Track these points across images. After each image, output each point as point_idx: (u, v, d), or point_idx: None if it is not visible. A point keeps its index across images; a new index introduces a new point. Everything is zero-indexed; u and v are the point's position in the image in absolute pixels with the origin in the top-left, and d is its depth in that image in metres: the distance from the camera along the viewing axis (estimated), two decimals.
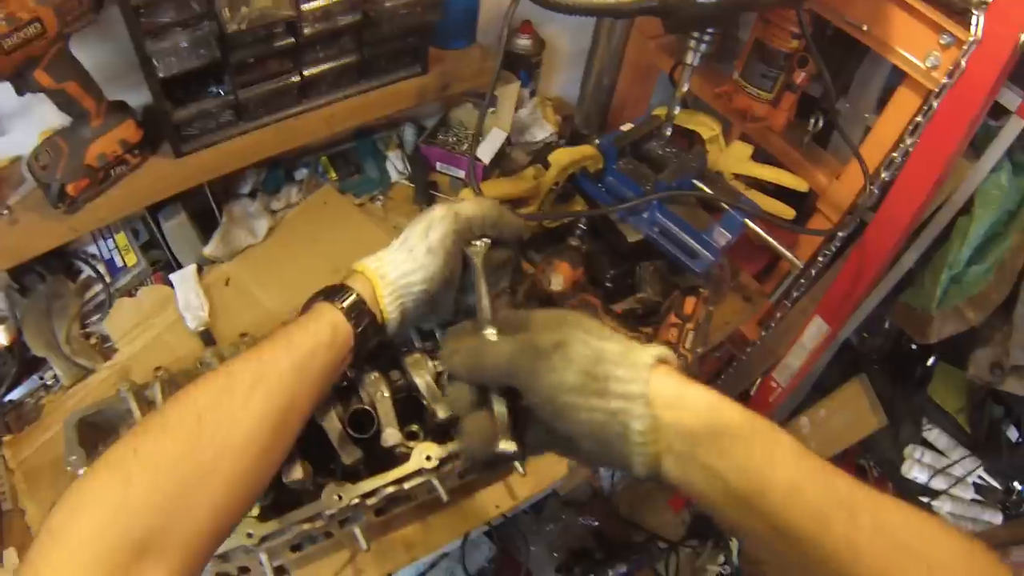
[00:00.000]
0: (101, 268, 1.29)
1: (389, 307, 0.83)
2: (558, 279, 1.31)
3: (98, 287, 1.30)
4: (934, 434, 1.78)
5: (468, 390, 0.71)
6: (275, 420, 0.71)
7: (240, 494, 0.68)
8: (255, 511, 0.97)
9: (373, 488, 1.00)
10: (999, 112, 1.25)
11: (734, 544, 1.82)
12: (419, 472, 1.02)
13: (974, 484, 1.74)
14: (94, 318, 1.30)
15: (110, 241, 1.31)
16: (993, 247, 1.44)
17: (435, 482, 1.03)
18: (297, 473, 0.93)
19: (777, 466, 0.55)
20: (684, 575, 2.11)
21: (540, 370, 0.63)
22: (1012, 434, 1.68)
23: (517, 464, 1.09)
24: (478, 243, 0.87)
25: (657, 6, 1.00)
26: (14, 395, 1.24)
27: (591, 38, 1.39)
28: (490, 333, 0.72)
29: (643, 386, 0.59)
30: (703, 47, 1.21)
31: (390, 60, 1.32)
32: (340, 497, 0.98)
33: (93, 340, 1.29)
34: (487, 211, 0.88)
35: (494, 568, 2.03)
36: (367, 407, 0.97)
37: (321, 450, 0.98)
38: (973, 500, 1.74)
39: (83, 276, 1.30)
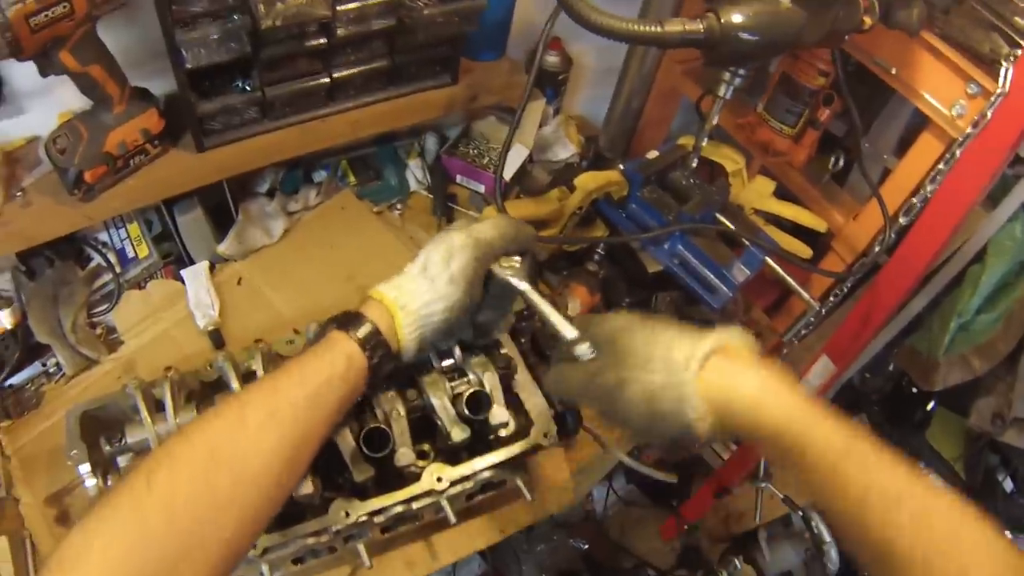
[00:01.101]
0: (112, 257, 1.27)
1: (408, 337, 0.82)
2: (575, 303, 1.30)
3: (107, 277, 1.27)
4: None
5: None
6: (288, 453, 0.71)
7: (252, 526, 0.68)
8: None
9: (382, 507, 0.98)
10: (1016, 162, 1.25)
11: None
12: (429, 493, 1.00)
13: None
14: (101, 308, 1.27)
15: (122, 230, 1.28)
16: (1003, 297, 1.44)
17: (444, 503, 1.02)
18: (307, 488, 0.91)
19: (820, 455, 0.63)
20: None
21: (613, 406, 0.74)
22: (1008, 485, 1.67)
23: (525, 490, 1.08)
24: (514, 261, 0.87)
25: (702, 39, 0.98)
26: (14, 380, 1.22)
27: (623, 61, 1.38)
28: (583, 351, 0.77)
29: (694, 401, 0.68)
30: (738, 81, 1.19)
31: (420, 68, 1.30)
32: (348, 514, 0.97)
33: (99, 330, 1.27)
34: (505, 230, 0.86)
35: None
36: (383, 426, 0.95)
37: (329, 463, 0.96)
38: None
39: (92, 264, 1.27)
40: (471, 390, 0.99)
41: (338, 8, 1.12)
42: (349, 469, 0.95)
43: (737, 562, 1.79)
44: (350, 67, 1.23)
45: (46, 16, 0.95)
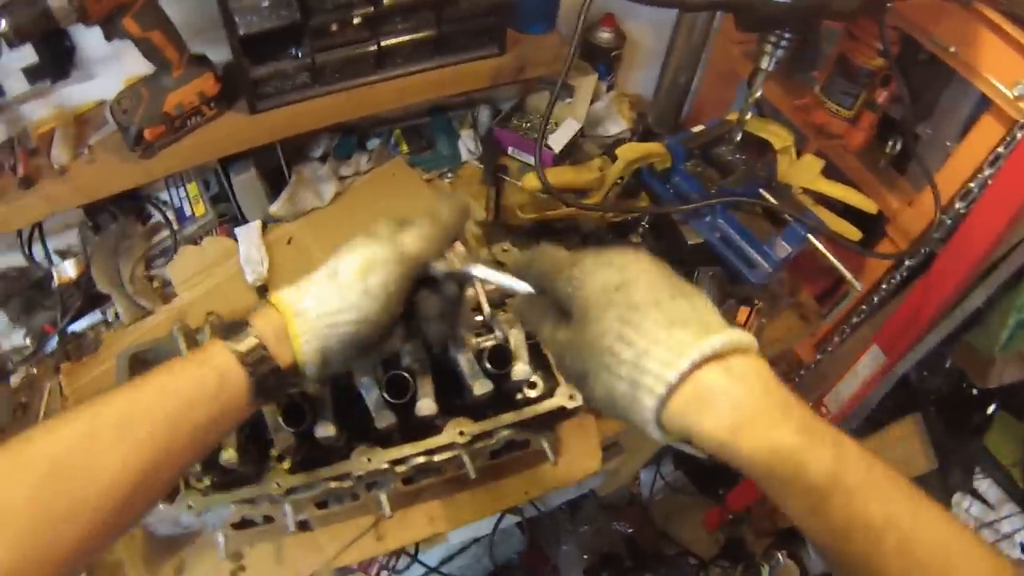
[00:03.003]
0: (170, 215, 1.34)
1: (305, 348, 0.70)
2: None
3: (165, 232, 1.34)
4: (985, 485, 1.71)
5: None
6: (141, 474, 0.61)
7: (93, 545, 0.61)
8: (286, 464, 1.00)
9: (403, 455, 1.01)
10: None
11: (764, 570, 1.78)
12: (451, 446, 1.03)
13: (1021, 544, 1.66)
14: (158, 262, 1.35)
15: (182, 190, 1.35)
16: None
17: (465, 458, 1.04)
18: (329, 430, 0.95)
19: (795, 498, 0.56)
20: None
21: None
22: None
23: (549, 451, 1.09)
24: (457, 249, 0.79)
25: (736, 3, 0.98)
26: (76, 327, 1.30)
27: (669, 36, 1.37)
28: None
29: (655, 427, 0.58)
30: (779, 52, 1.18)
31: (468, 38, 1.32)
32: (369, 460, 1.00)
33: (155, 283, 1.34)
34: (434, 235, 0.75)
35: (521, 560, 2.03)
36: (404, 372, 0.98)
37: (358, 412, 0.99)
38: (1019, 560, 1.65)
39: (152, 220, 1.35)
40: (491, 344, 1.02)
41: None
42: (370, 420, 0.98)
43: (780, 557, 1.77)
44: (397, 35, 1.25)
45: None
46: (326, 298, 0.70)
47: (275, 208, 1.36)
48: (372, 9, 1.19)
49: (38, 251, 1.29)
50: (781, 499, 0.56)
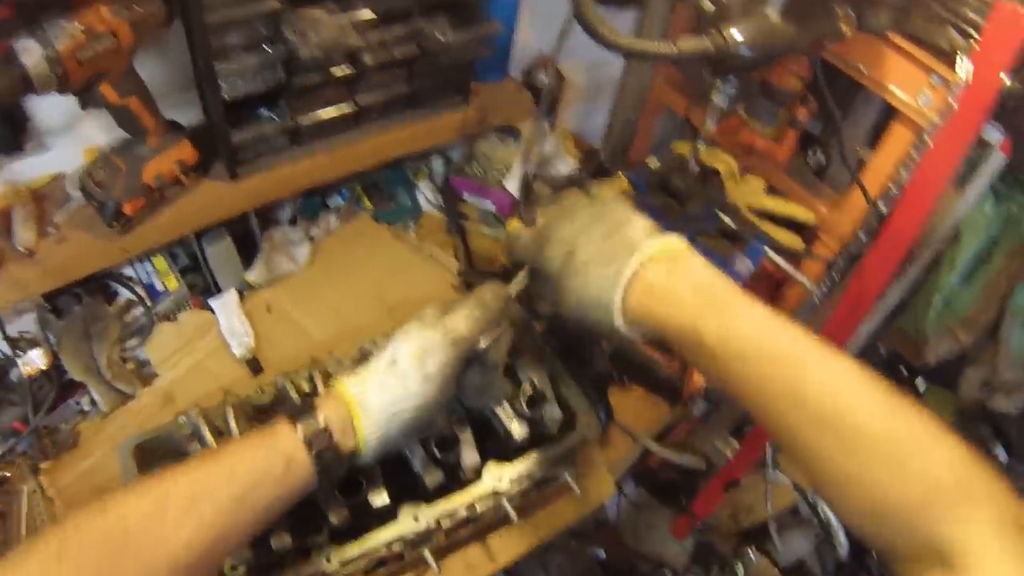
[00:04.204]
0: (141, 291, 1.27)
1: (369, 439, 0.76)
2: None
3: (138, 311, 1.27)
4: None
5: None
6: (204, 550, 0.66)
7: None
8: (323, 535, 0.97)
9: (450, 508, 1.01)
10: (980, 144, 1.35)
11: (740, 569, 1.87)
12: (493, 494, 1.03)
13: None
14: (131, 343, 1.27)
15: (148, 264, 1.28)
16: (979, 272, 1.55)
17: (505, 503, 1.05)
18: (383, 498, 0.94)
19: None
20: None
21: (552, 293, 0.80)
22: (1002, 455, 1.78)
23: (573, 483, 1.12)
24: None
25: (712, 55, 1.06)
26: (48, 421, 1.20)
27: (621, 78, 1.45)
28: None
29: (620, 317, 0.73)
30: (730, 89, 1.28)
31: (436, 92, 1.35)
32: (416, 519, 0.99)
33: (130, 365, 1.26)
34: (481, 320, 0.83)
35: None
36: (451, 432, 0.98)
37: (399, 471, 0.98)
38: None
39: (121, 299, 1.27)
40: (530, 391, 1.04)
41: (368, 37, 1.16)
42: (411, 477, 0.98)
43: (752, 553, 1.85)
44: (373, 93, 1.26)
45: (94, 50, 0.97)
46: (389, 388, 0.76)
47: (252, 275, 1.32)
48: (352, 69, 1.19)
49: None
50: (696, 365, 0.73)
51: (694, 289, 0.72)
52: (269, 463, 0.71)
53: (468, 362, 0.83)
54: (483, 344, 0.82)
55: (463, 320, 0.81)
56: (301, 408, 0.76)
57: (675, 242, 0.76)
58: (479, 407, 0.92)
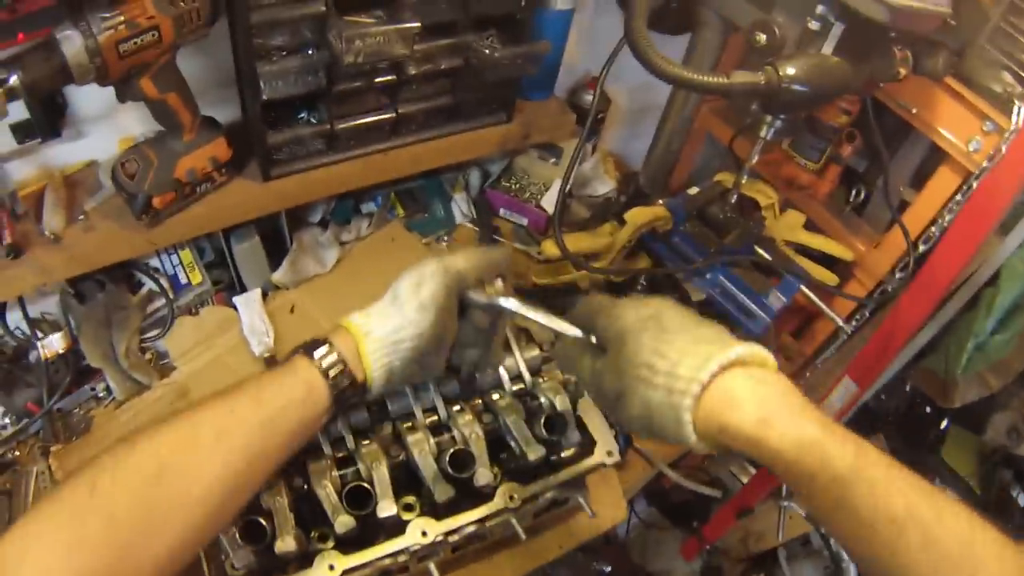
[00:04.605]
0: (165, 283, 1.26)
1: (374, 366, 0.80)
2: None
3: (160, 302, 1.26)
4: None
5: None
6: (236, 477, 0.69)
7: (190, 545, 0.67)
8: (330, 543, 0.95)
9: (459, 524, 0.99)
10: None
11: None
12: (502, 511, 1.01)
13: None
14: (152, 333, 1.27)
15: (174, 257, 1.28)
16: (1016, 318, 1.51)
17: (513, 521, 1.03)
18: (391, 509, 0.92)
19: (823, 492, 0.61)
20: None
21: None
22: (1022, 500, 1.73)
23: (586, 506, 1.10)
24: (494, 286, 0.87)
25: (763, 90, 1.03)
26: (63, 404, 1.20)
27: (666, 105, 1.42)
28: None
29: (691, 428, 0.65)
30: (778, 123, 1.25)
31: (479, 106, 1.32)
32: (425, 533, 0.97)
33: (148, 355, 1.26)
34: (476, 260, 0.85)
35: None
36: (465, 448, 0.96)
37: (408, 483, 0.97)
38: None
39: (144, 289, 1.26)
40: (546, 413, 1.01)
41: (414, 47, 1.14)
42: (423, 490, 0.96)
43: None
44: (415, 103, 1.24)
45: (135, 43, 0.95)
46: (390, 317, 0.80)
47: (278, 276, 1.31)
48: (395, 77, 1.17)
49: (12, 320, 1.19)
50: (806, 492, 0.61)
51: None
52: (293, 389, 0.75)
53: (463, 308, 0.85)
54: (472, 297, 0.84)
55: (461, 257, 0.85)
56: (314, 342, 0.80)
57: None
58: (463, 365, 0.94)
